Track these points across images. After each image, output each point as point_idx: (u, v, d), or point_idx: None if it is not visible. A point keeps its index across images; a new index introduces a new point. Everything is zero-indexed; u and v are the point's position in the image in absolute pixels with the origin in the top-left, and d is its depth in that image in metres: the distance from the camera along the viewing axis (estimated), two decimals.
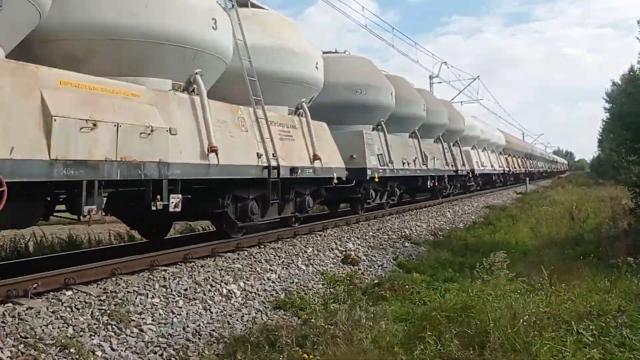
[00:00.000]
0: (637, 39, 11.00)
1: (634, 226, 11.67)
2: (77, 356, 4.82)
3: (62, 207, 7.23)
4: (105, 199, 7.13)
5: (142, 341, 5.40)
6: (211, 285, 7.26)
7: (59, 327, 5.22)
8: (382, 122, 16.45)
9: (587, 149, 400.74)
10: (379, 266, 10.38)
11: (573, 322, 4.80)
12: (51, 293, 6.02)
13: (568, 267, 7.75)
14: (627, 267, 7.68)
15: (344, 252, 10.46)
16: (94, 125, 6.15)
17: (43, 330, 5.11)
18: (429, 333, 4.71)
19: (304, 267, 9.15)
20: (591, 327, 4.77)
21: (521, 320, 4.82)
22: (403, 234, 13.62)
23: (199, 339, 5.77)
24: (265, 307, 7.15)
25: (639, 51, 18.54)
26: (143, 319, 5.84)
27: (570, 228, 13.87)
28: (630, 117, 11.07)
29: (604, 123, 56.35)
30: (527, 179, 40.28)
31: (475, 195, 27.26)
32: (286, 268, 8.87)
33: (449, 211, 19.48)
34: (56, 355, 4.77)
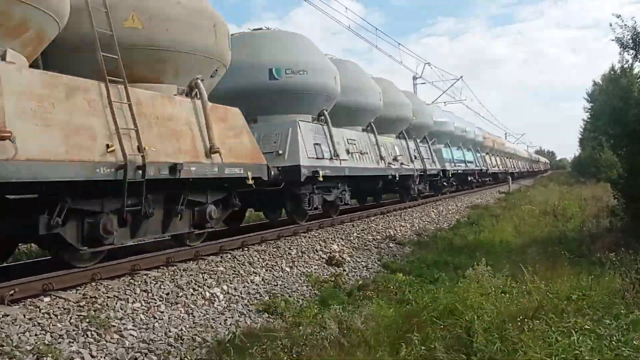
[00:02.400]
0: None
1: (616, 224, 11.80)
2: None
3: None
4: None
5: (123, 347, 5.29)
6: (194, 289, 7.16)
7: (36, 334, 5.10)
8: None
9: (568, 148, 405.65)
10: (363, 267, 10.34)
11: (559, 319, 4.79)
12: (29, 300, 5.87)
13: (551, 265, 7.76)
14: (609, 264, 7.73)
15: (329, 254, 10.40)
16: None
17: (20, 337, 4.98)
18: (415, 335, 4.67)
19: (288, 269, 9.08)
20: (577, 323, 4.76)
21: (509, 323, 4.80)
22: (387, 234, 13.60)
23: (181, 343, 5.67)
24: (249, 310, 7.07)
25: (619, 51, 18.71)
26: (123, 324, 5.73)
27: (553, 226, 13.97)
28: (615, 115, 11.24)
29: (584, 122, 57.03)
30: (510, 178, 40.59)
31: (454, 197, 27.20)
32: (270, 270, 8.79)
33: (433, 211, 19.53)
34: None
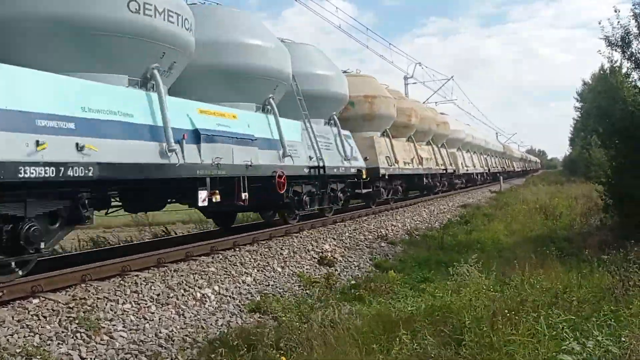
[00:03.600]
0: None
1: (606, 222, 11.87)
2: None
3: None
4: None
5: (113, 348, 5.26)
6: (185, 289, 7.14)
7: (25, 336, 5.07)
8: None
9: (559, 148, 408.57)
10: (355, 266, 10.34)
11: (543, 317, 4.81)
12: (17, 302, 5.83)
13: (542, 263, 7.80)
14: (598, 262, 7.77)
15: (320, 254, 10.40)
16: None
17: (8, 339, 4.95)
18: (404, 332, 4.67)
19: (279, 270, 9.06)
20: (564, 320, 4.79)
21: (499, 317, 4.82)
22: (379, 234, 13.61)
23: (171, 344, 5.65)
24: (240, 310, 7.05)
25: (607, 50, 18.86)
26: (113, 325, 5.70)
27: (543, 225, 14.04)
28: (602, 113, 11.37)
29: (575, 122, 57.42)
30: (501, 177, 40.61)
31: (445, 196, 27.21)
32: (262, 271, 8.78)
33: (424, 211, 19.57)
34: None
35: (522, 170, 73.46)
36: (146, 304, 6.39)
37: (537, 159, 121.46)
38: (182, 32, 8.53)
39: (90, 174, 6.65)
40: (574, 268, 7.71)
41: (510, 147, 72.60)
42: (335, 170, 13.95)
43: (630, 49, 10.95)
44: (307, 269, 9.51)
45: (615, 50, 11.12)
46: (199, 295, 7.11)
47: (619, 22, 10.92)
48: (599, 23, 11.23)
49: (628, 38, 10.87)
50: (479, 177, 37.89)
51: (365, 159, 16.55)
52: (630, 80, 12.32)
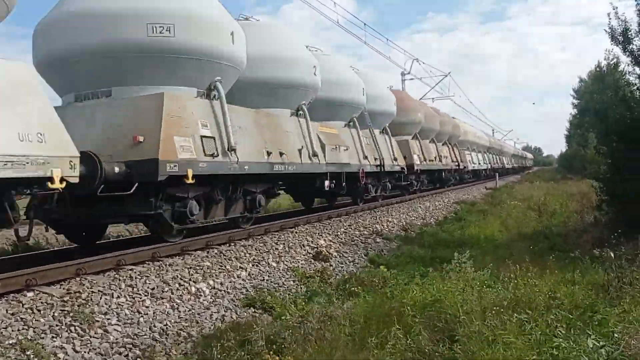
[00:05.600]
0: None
1: (600, 219, 11.90)
2: (38, 358, 4.66)
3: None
4: None
5: (107, 342, 5.27)
6: (179, 284, 7.14)
7: (19, 330, 5.06)
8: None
9: (555, 145, 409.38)
10: (350, 262, 10.36)
11: (539, 314, 4.82)
12: (11, 295, 5.83)
13: (537, 260, 7.81)
14: (593, 260, 7.79)
15: (315, 249, 10.41)
16: None
17: (2, 332, 4.94)
18: (397, 327, 4.68)
19: (274, 264, 9.07)
20: (559, 317, 4.80)
21: (492, 312, 4.83)
22: (374, 229, 13.62)
23: (166, 338, 5.65)
24: (235, 305, 7.06)
25: (605, 48, 18.90)
26: (108, 319, 5.70)
27: (538, 222, 14.06)
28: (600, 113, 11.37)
29: (571, 118, 57.33)
30: (497, 174, 40.64)
31: (441, 193, 27.27)
32: (257, 265, 8.78)
33: (420, 207, 19.60)
34: (16, 357, 4.62)
35: (517, 166, 73.66)
36: (141, 298, 6.39)
37: (531, 155, 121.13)
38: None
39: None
40: (569, 265, 7.72)
41: (506, 144, 73.94)
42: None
43: (630, 45, 10.93)
44: (302, 264, 9.52)
45: (617, 44, 11.08)
46: (193, 289, 7.11)
47: (622, 17, 10.90)
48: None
49: (629, 34, 10.83)
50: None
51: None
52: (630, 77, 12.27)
